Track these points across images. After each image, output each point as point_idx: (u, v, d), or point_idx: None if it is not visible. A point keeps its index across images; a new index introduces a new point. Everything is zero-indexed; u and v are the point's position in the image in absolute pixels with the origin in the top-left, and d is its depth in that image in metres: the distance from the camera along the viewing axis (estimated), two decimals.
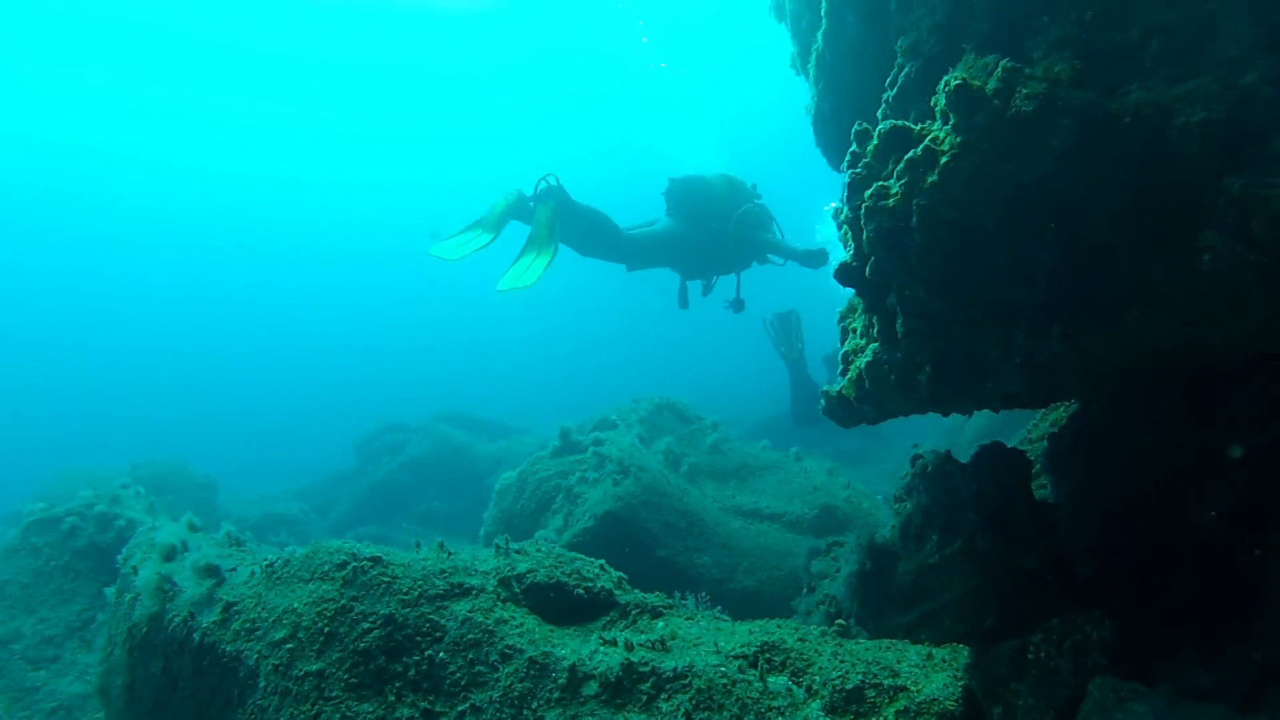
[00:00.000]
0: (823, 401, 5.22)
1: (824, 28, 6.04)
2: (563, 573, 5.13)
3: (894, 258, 3.85)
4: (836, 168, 6.72)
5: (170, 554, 5.68)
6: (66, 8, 40.13)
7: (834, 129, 6.26)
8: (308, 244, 70.16)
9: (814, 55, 6.41)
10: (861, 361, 4.46)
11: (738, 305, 10.89)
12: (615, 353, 59.60)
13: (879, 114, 4.89)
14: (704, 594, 5.51)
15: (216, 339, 68.60)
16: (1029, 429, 7.40)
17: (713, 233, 10.24)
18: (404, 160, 63.32)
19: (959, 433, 11.56)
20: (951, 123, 3.68)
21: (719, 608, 5.30)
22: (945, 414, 4.59)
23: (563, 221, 9.08)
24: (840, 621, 5.79)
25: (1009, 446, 5.26)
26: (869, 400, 4.55)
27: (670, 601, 5.07)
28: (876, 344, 4.36)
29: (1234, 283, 3.38)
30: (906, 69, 4.64)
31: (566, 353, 64.13)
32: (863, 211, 3.92)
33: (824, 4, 5.89)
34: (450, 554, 5.15)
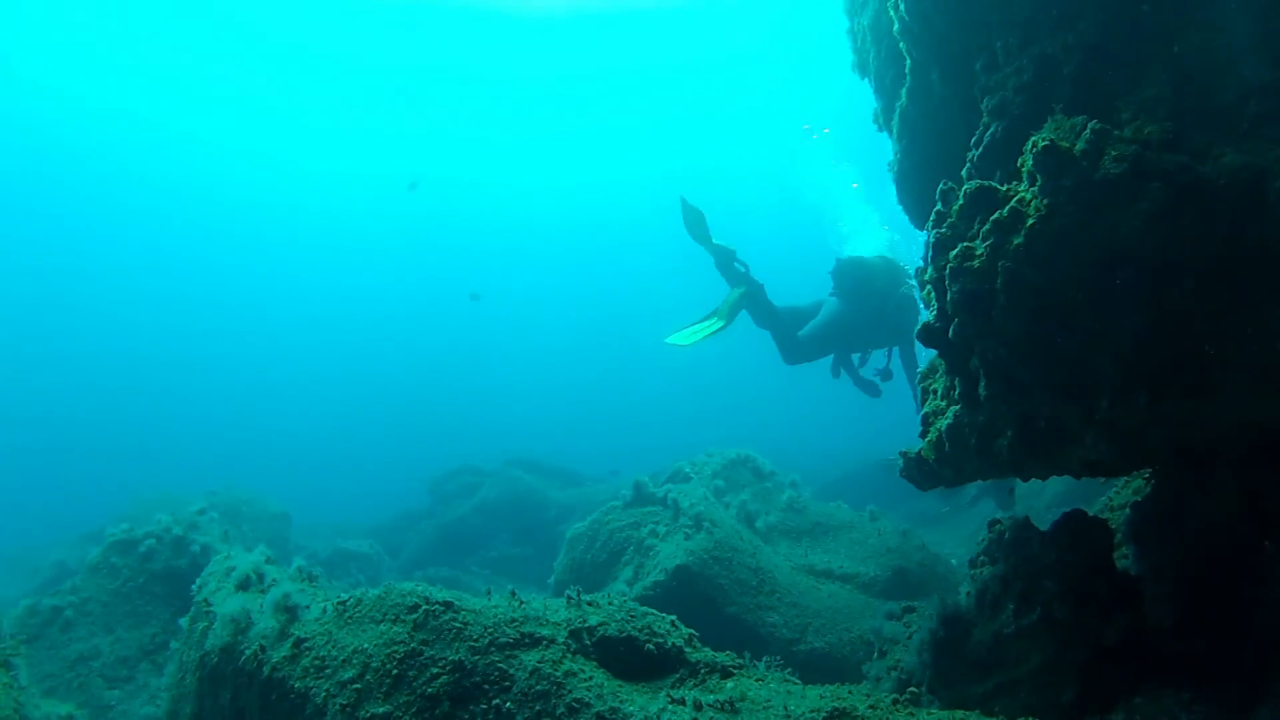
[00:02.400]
0: (900, 462, 5.14)
1: (908, 84, 6.04)
2: (634, 627, 5.08)
3: (978, 320, 3.79)
4: (918, 225, 6.67)
5: (245, 584, 5.76)
6: None
7: (916, 186, 6.23)
8: (394, 285, 71.36)
9: (898, 112, 6.41)
10: (942, 424, 4.38)
11: (886, 374, 11.55)
12: (692, 405, 59.27)
13: (963, 173, 4.85)
14: (775, 656, 5.41)
15: (298, 371, 69.92)
16: (1110, 496, 7.18)
17: (873, 311, 10.78)
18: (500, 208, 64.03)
19: (1037, 497, 11.28)
20: (1039, 184, 3.63)
21: (789, 669, 5.20)
22: (1025, 479, 4.49)
23: (750, 309, 10.69)
24: (912, 689, 5.65)
25: (1090, 515, 5.10)
26: (948, 464, 4.47)
27: (740, 661, 4.98)
28: (958, 406, 4.28)
29: None
30: (992, 129, 4.61)
31: (643, 404, 64.07)
32: (947, 272, 3.87)
33: (908, 61, 5.90)
34: (522, 603, 5.14)
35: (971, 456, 4.24)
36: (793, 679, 5.02)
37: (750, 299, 10.71)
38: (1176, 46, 4.07)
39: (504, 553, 16.04)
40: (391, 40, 42.99)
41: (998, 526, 5.54)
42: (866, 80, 7.66)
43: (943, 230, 4.05)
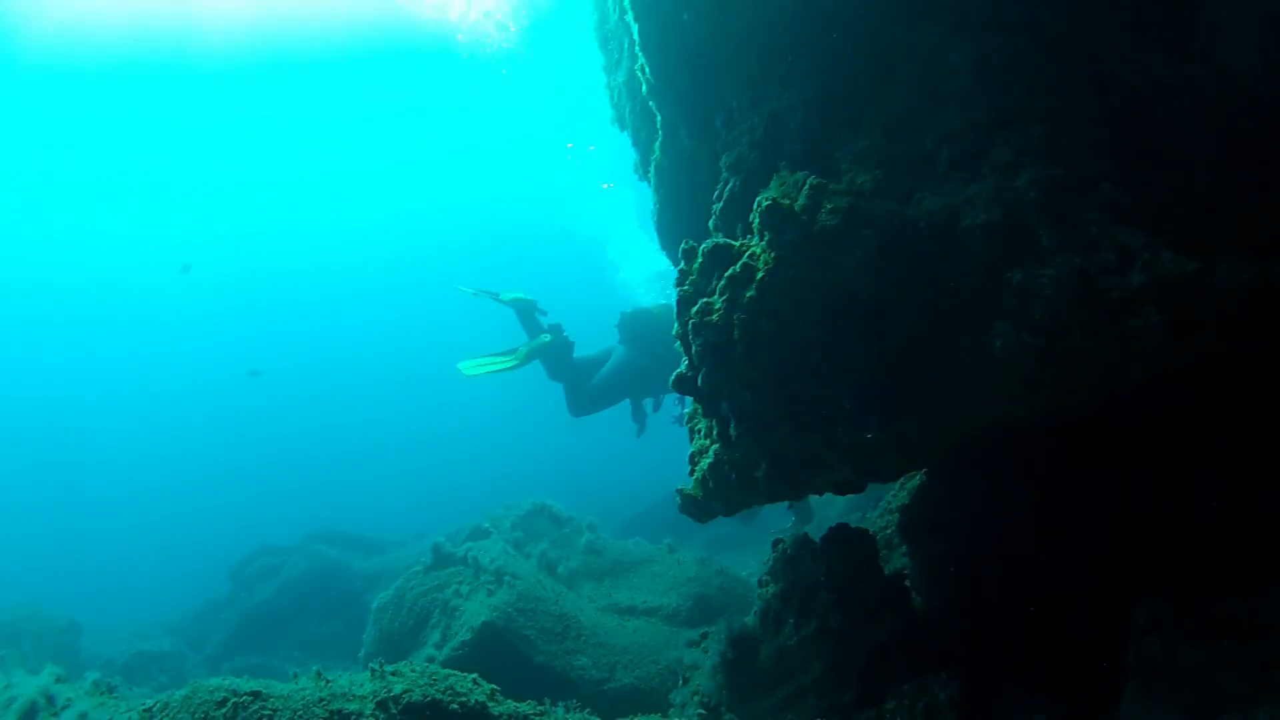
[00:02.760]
0: (679, 499, 5.43)
1: (660, 139, 6.42)
2: (438, 690, 5.18)
3: (721, 368, 4.14)
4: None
5: (31, 713, 5.48)
6: None
7: (675, 235, 6.61)
8: (171, 357, 67.63)
9: (653, 165, 6.78)
10: (705, 463, 4.71)
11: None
12: (486, 457, 58.71)
13: (710, 224, 5.23)
14: (573, 700, 5.61)
15: (78, 459, 65.21)
16: (889, 498, 7.74)
17: (659, 358, 11.07)
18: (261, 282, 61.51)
19: (830, 506, 11.92)
20: (766, 239, 4.01)
21: (588, 710, 5.41)
22: (788, 500, 4.86)
23: (547, 360, 11.10)
24: (700, 711, 5.96)
25: (853, 527, 5.54)
26: (715, 497, 4.80)
27: (541, 708, 5.17)
28: (717, 445, 4.61)
29: (1024, 365, 3.75)
30: (731, 183, 5.00)
31: (445, 458, 63.01)
32: (690, 327, 4.21)
33: (659, 118, 6.27)
34: (328, 681, 5.16)
35: (734, 490, 4.58)
36: (592, 717, 5.23)
37: (553, 350, 11.16)
38: (886, 100, 4.56)
39: (312, 631, 15.56)
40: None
41: (780, 545, 5.93)
42: (625, 133, 8.04)
43: (685, 287, 4.40)
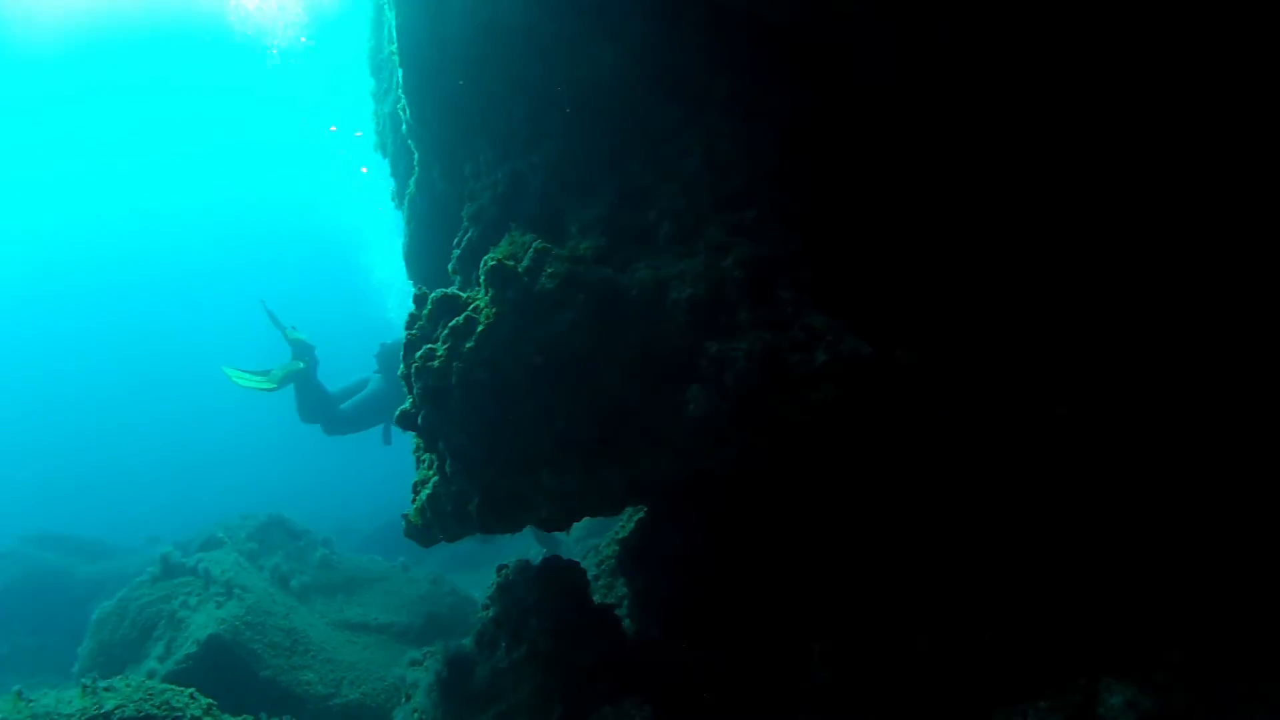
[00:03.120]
0: (404, 523, 5.68)
1: (415, 175, 6.66)
2: (152, 705, 5.20)
3: (439, 410, 4.46)
4: None
5: None
6: None
7: (421, 270, 6.86)
8: None
9: (408, 199, 7.00)
10: (425, 494, 5.00)
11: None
12: (228, 463, 56.16)
13: (449, 268, 5.52)
14: (290, 716, 5.72)
15: None
16: (618, 529, 8.22)
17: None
18: None
19: (571, 530, 12.34)
20: (490, 295, 4.35)
21: None
22: (486, 539, 5.20)
23: (301, 386, 11.44)
24: None
25: (563, 559, 5.95)
26: (434, 526, 5.08)
27: None
28: (436, 478, 4.91)
29: (715, 425, 4.24)
30: (470, 233, 5.32)
31: (183, 464, 59.69)
32: (414, 370, 4.51)
33: (416, 155, 6.51)
34: (30, 701, 5.08)
35: (450, 521, 4.89)
36: None
37: (305, 379, 11.25)
38: (619, 172, 5.00)
39: (18, 644, 14.57)
40: None
41: (504, 571, 6.26)
42: (386, 160, 8.22)
43: (413, 331, 4.69)
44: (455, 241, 5.36)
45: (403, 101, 6.24)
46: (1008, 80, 4.53)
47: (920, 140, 4.88)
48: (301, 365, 11.32)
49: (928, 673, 4.80)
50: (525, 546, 13.34)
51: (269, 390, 11.16)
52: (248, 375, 11.23)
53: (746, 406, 4.15)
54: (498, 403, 4.34)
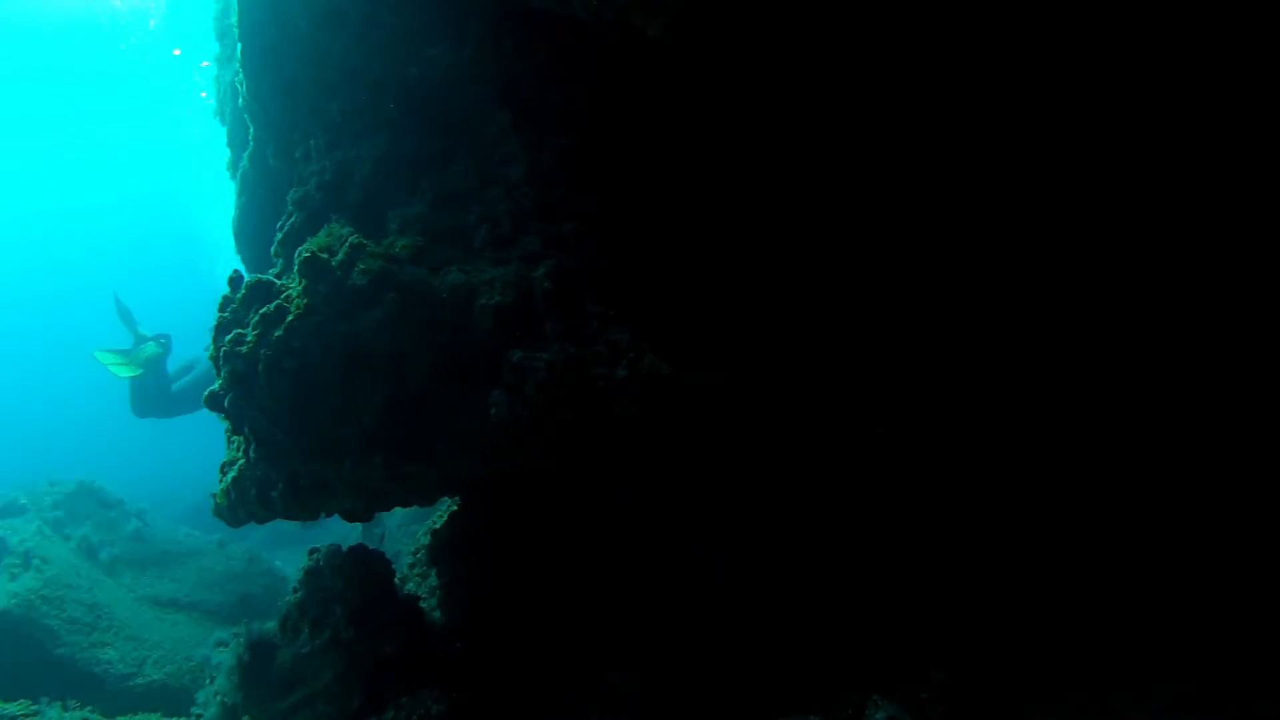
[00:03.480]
0: (213, 502, 5.64)
1: (250, 150, 6.56)
2: None
3: (245, 395, 4.47)
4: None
5: None
6: None
7: (249, 246, 6.78)
8: None
9: (240, 171, 6.89)
10: (231, 475, 4.99)
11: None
12: (41, 427, 53.05)
13: (272, 251, 5.50)
14: (72, 701, 5.61)
15: None
16: (435, 517, 8.25)
17: None
18: None
19: (390, 515, 12.26)
20: (303, 285, 4.38)
21: (91, 709, 5.46)
22: (302, 519, 5.22)
23: (150, 370, 11.25)
24: (218, 712, 6.17)
25: (369, 548, 6.00)
26: (239, 508, 5.07)
27: (35, 709, 5.16)
28: (242, 460, 4.90)
29: (514, 430, 4.37)
30: (294, 219, 5.31)
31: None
32: (223, 353, 4.50)
33: (251, 130, 6.42)
34: None
35: (254, 504, 4.90)
36: (93, 716, 5.29)
37: (156, 365, 11.00)
38: (444, 173, 5.06)
39: None
40: None
41: (315, 555, 6.25)
42: (225, 129, 8.05)
43: (225, 314, 4.68)
44: (279, 225, 5.34)
45: (240, 75, 6.15)
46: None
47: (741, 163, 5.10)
48: (160, 353, 11.14)
49: (710, 680, 5.06)
50: (350, 528, 13.21)
51: (128, 375, 10.89)
52: (114, 355, 10.93)
53: (546, 416, 4.29)
54: (304, 392, 4.37)
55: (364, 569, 5.78)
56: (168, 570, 10.10)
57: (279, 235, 5.36)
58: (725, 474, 5.19)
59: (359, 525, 12.61)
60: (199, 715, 6.81)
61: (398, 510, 11.60)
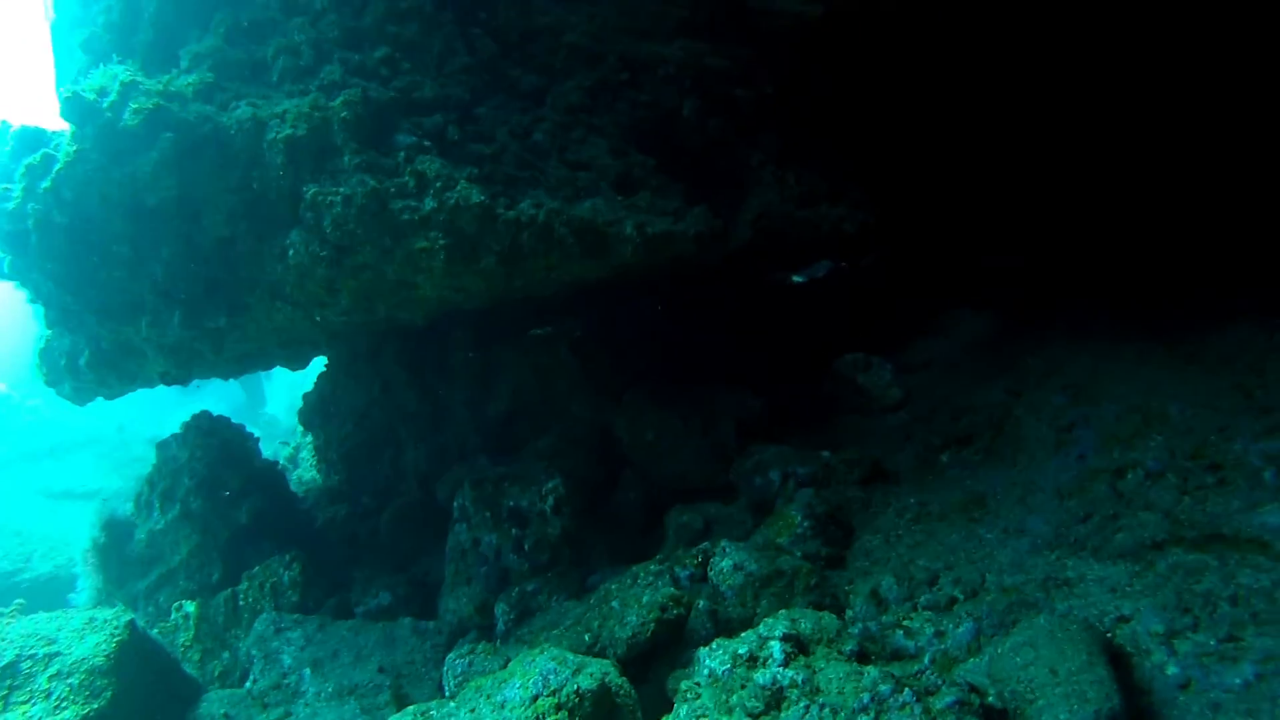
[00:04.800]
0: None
1: None
2: None
3: (21, 257, 4.10)
4: None
5: None
6: None
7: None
8: None
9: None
10: (39, 346, 4.65)
11: None
12: None
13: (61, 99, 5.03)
14: None
15: None
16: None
17: None
18: None
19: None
20: (70, 131, 3.97)
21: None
22: (115, 395, 4.92)
23: None
24: (92, 595, 5.98)
25: (214, 415, 5.73)
26: (57, 381, 4.76)
27: None
28: (49, 331, 4.57)
29: (317, 272, 4.06)
30: (80, 63, 4.84)
31: None
32: None
33: None
34: None
35: (65, 375, 4.59)
36: None
37: None
38: (241, 4, 4.62)
39: None
40: None
41: (188, 427, 5.96)
42: None
43: None
44: (67, 71, 4.88)
45: None
46: None
47: None
48: None
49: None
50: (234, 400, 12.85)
51: None
52: None
53: (346, 255, 3.99)
54: (85, 249, 4.02)
55: (212, 438, 5.52)
56: (64, 459, 9.79)
57: (65, 82, 4.89)
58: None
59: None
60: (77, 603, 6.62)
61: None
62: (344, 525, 6.01)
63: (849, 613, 3.47)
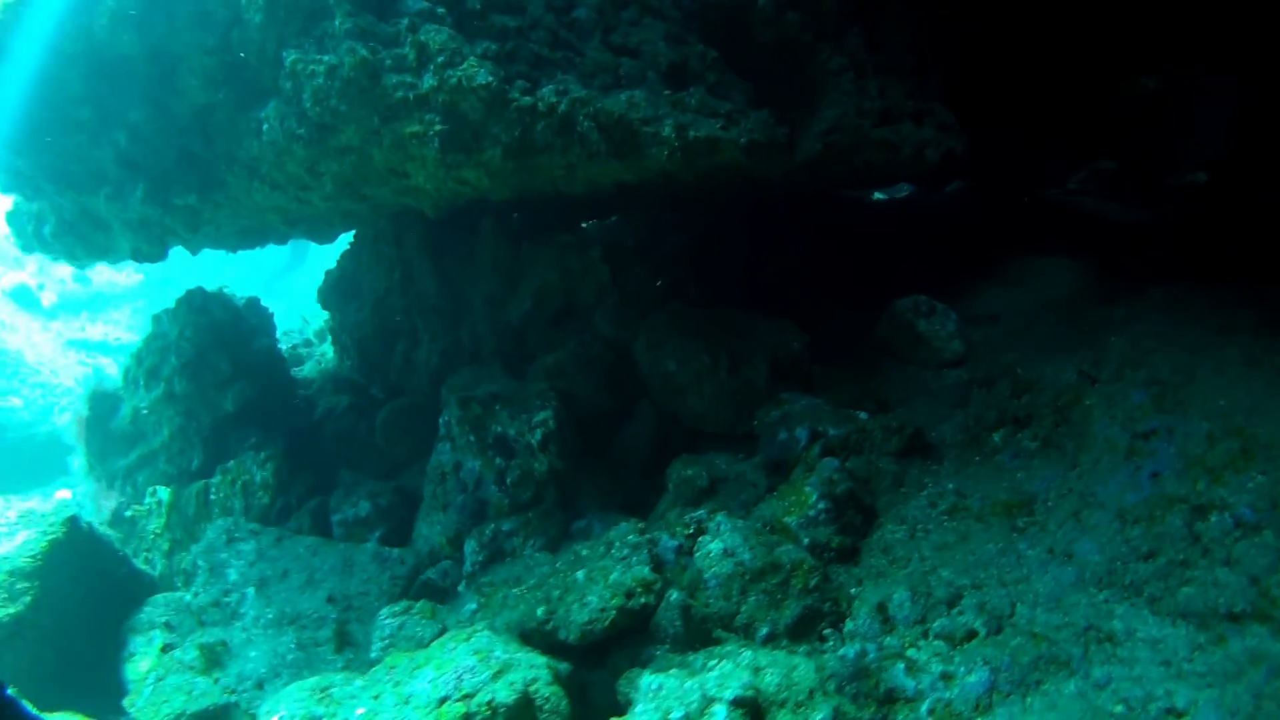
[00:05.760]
0: None
1: None
2: None
3: None
4: None
5: None
6: None
7: None
8: None
9: None
10: (6, 214, 4.27)
11: None
12: None
13: None
14: None
15: None
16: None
17: None
18: None
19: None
20: None
21: None
22: (85, 266, 4.52)
23: None
24: (80, 468, 5.72)
25: (209, 291, 5.31)
26: (31, 249, 4.38)
27: None
28: (17, 195, 4.15)
29: (294, 151, 3.54)
30: None
31: None
32: None
33: None
34: None
35: (34, 243, 4.20)
36: None
37: None
38: None
39: None
40: None
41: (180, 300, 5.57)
42: None
43: None
44: None
45: None
46: None
47: None
48: None
49: None
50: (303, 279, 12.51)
51: None
52: None
53: (329, 135, 3.46)
54: (40, 107, 3.54)
55: (202, 317, 5.09)
56: (100, 313, 9.62)
57: None
58: None
59: None
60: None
61: None
62: (341, 419, 5.56)
63: (849, 625, 2.96)
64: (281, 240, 5.51)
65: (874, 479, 3.75)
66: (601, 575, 3.06)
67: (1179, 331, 3.95)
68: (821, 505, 3.38)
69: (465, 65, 3.46)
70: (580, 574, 3.14)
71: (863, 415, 4.05)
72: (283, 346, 7.22)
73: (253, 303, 5.97)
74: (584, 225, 6.90)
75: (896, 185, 8.02)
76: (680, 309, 4.70)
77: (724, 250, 6.28)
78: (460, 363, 5.41)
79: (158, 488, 4.84)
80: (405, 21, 3.53)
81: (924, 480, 3.75)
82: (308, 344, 7.45)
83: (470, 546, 3.91)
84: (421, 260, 5.60)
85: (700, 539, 3.21)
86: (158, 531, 4.69)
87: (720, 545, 3.10)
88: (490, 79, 3.45)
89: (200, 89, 3.60)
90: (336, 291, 6.20)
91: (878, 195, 8.43)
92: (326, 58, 3.38)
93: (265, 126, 3.44)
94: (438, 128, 3.42)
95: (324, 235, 5.75)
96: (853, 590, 3.14)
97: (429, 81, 3.43)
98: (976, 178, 7.28)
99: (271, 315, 6.21)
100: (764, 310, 5.02)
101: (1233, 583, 2.50)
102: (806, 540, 3.30)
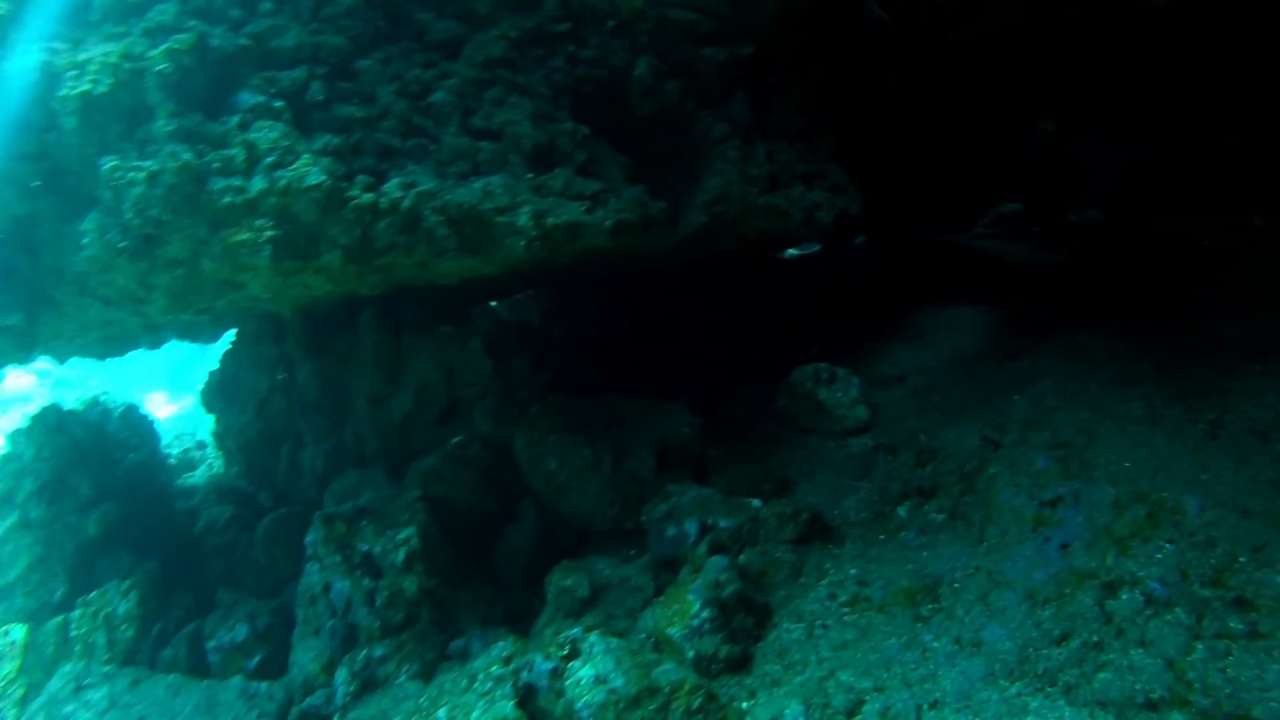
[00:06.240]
0: None
1: None
2: None
3: None
4: None
5: None
6: None
7: None
8: None
9: None
10: None
11: None
12: None
13: None
14: None
15: None
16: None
17: None
18: None
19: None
20: None
21: None
22: None
23: None
24: None
25: (64, 409, 4.97)
26: None
27: None
28: None
29: (119, 265, 3.26)
30: None
31: None
32: None
33: None
34: None
35: None
36: None
37: None
38: None
39: None
40: None
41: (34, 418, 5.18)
42: None
43: None
44: None
45: None
46: None
47: None
48: None
49: None
50: None
51: None
52: None
53: (156, 247, 3.19)
54: None
55: (60, 436, 4.73)
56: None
57: None
58: None
59: None
60: None
61: None
62: (224, 532, 5.21)
63: None
64: (154, 345, 5.17)
65: (770, 571, 3.50)
66: (463, 714, 2.76)
67: (1080, 386, 3.84)
68: (705, 614, 3.10)
69: (298, 164, 3.22)
70: (442, 712, 2.83)
71: (755, 503, 3.80)
72: (174, 451, 6.86)
73: (129, 412, 5.63)
74: (493, 304, 6.64)
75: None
76: (561, 401, 4.45)
77: (619, 329, 6.08)
78: (346, 465, 5.11)
79: (11, 626, 4.44)
80: (236, 119, 3.29)
81: (825, 566, 3.51)
82: (201, 446, 7.03)
83: (341, 676, 3.59)
84: (302, 358, 5.31)
85: (571, 664, 2.91)
86: (10, 677, 4.28)
87: (591, 671, 2.80)
88: (323, 177, 3.21)
89: (17, 199, 3.32)
90: (219, 394, 5.88)
91: (791, 251, 8.32)
92: (148, 164, 3.12)
93: (85, 240, 3.16)
94: (269, 234, 3.16)
95: (202, 336, 5.42)
96: (744, 704, 2.87)
97: (259, 184, 3.18)
98: (882, 230, 7.19)
99: (151, 424, 5.86)
100: (659, 390, 4.79)
101: (1148, 666, 2.34)
102: (691, 653, 3.02)
